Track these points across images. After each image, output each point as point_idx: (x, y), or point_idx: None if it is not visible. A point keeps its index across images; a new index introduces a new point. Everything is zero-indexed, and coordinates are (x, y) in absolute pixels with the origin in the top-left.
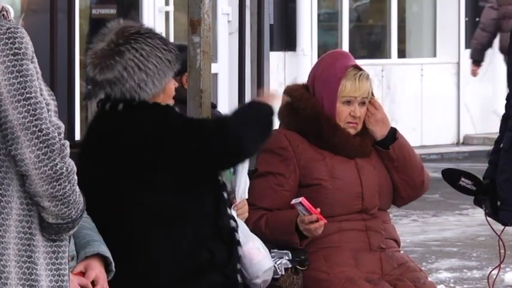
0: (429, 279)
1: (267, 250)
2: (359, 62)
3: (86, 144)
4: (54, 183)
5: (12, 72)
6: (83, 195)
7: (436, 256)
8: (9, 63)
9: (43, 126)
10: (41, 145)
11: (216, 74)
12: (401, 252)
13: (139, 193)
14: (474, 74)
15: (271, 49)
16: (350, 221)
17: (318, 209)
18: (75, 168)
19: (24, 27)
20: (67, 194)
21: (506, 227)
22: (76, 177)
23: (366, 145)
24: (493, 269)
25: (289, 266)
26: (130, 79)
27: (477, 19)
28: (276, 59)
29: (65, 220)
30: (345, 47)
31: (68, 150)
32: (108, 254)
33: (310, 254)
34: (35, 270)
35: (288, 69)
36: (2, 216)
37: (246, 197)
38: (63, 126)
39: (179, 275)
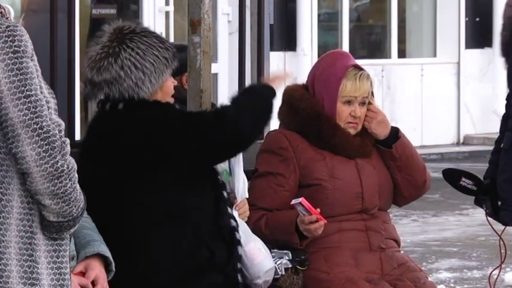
0: (429, 279)
1: (268, 250)
2: (359, 62)
3: (86, 143)
4: (55, 181)
5: (12, 70)
6: (84, 194)
7: (436, 256)
8: (9, 61)
9: (44, 123)
10: (42, 142)
11: (216, 74)
12: (402, 252)
13: (139, 192)
14: None
15: (271, 49)
16: (350, 221)
17: (318, 209)
18: (75, 166)
19: (24, 27)
20: (68, 191)
21: (507, 227)
22: (76, 175)
23: (366, 145)
24: (493, 269)
25: (290, 266)
26: (128, 78)
27: (477, 19)
28: (276, 59)
29: (66, 218)
30: (345, 47)
31: (68, 148)
32: (108, 253)
33: (310, 254)
34: (36, 269)
35: (288, 69)
36: (3, 215)
37: (247, 196)
38: (63, 124)
39: (179, 275)
